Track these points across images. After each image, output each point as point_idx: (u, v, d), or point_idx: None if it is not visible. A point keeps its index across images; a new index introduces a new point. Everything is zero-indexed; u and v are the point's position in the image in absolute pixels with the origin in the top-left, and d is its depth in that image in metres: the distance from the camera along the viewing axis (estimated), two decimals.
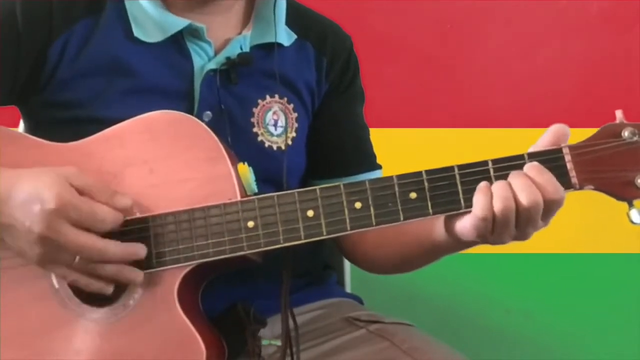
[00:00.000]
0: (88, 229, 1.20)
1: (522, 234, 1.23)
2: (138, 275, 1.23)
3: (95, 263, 1.21)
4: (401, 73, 2.15)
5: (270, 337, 1.37)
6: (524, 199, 1.18)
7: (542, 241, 2.16)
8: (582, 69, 2.16)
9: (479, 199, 1.20)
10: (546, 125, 2.10)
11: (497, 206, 1.19)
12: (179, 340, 1.23)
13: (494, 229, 1.21)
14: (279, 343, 1.32)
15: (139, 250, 1.23)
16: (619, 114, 1.22)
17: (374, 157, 1.53)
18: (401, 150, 2.10)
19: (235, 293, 1.35)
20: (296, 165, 1.44)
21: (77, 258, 1.20)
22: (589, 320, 2.16)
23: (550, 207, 1.20)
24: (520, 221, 1.20)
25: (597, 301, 2.16)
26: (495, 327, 2.17)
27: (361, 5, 2.12)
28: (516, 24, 2.17)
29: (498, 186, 1.19)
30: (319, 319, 1.43)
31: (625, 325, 2.15)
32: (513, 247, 2.15)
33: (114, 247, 1.21)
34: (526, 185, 1.18)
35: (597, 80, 2.15)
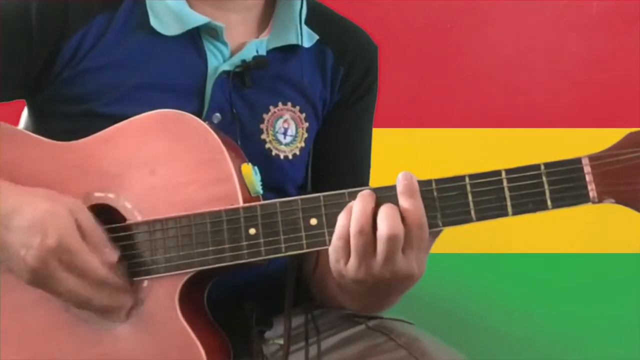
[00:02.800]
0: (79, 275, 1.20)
1: (382, 274, 1.17)
2: (119, 318, 1.24)
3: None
4: (401, 73, 2.15)
5: (274, 337, 1.38)
6: (383, 228, 1.14)
7: (542, 241, 2.18)
8: (582, 68, 2.16)
9: (340, 217, 1.17)
10: (546, 125, 2.11)
11: (354, 228, 1.15)
12: (179, 346, 1.23)
13: (350, 256, 1.17)
14: (282, 342, 1.32)
15: (123, 303, 1.23)
16: None
17: (368, 177, 1.50)
18: (401, 150, 2.10)
19: (241, 293, 1.36)
20: (301, 175, 1.43)
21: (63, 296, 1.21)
22: (589, 321, 2.16)
23: (411, 240, 1.15)
24: (379, 253, 1.15)
25: (597, 301, 2.16)
26: (495, 328, 2.17)
27: (361, 5, 2.12)
28: (516, 24, 2.17)
29: (357, 209, 1.16)
30: (318, 316, 1.42)
31: (625, 326, 2.15)
32: (513, 247, 2.17)
33: (98, 298, 1.21)
34: (390, 214, 1.14)
35: (597, 80, 2.14)
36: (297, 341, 1.36)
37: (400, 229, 1.14)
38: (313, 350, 1.37)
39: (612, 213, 2.08)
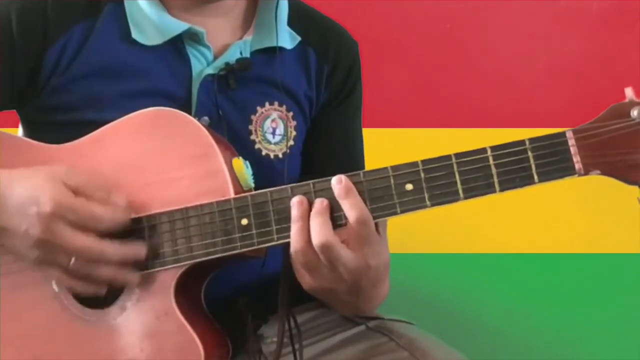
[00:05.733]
0: (86, 230, 1.19)
1: (335, 275, 1.20)
2: (134, 278, 1.23)
3: (93, 265, 1.21)
4: (401, 73, 2.15)
5: (272, 335, 1.38)
6: (314, 239, 1.17)
7: (542, 241, 2.17)
8: (582, 69, 2.16)
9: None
10: (546, 125, 2.11)
11: (292, 249, 1.19)
12: (176, 341, 1.23)
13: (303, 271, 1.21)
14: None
15: (138, 251, 1.23)
16: (628, 91, 1.15)
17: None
18: (401, 150, 2.10)
19: (239, 291, 1.36)
20: (292, 174, 1.43)
21: (73, 260, 1.20)
22: (589, 321, 2.16)
23: (358, 237, 1.18)
24: (322, 261, 1.19)
25: (597, 301, 2.15)
26: (495, 328, 2.17)
27: (360, 5, 2.12)
28: (516, 24, 2.17)
29: (292, 230, 1.18)
30: (318, 317, 1.43)
31: (625, 326, 2.15)
32: (513, 247, 2.17)
33: (112, 249, 1.21)
34: (319, 224, 1.17)
35: (597, 80, 2.14)
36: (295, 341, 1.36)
37: (329, 236, 1.17)
38: (314, 350, 1.38)
39: (612, 213, 2.09)
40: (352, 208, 1.17)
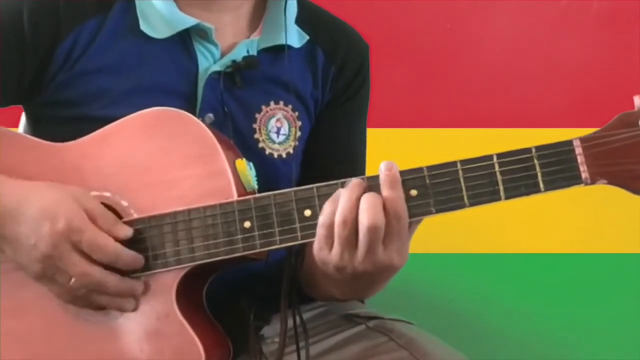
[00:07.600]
0: (90, 257, 1.21)
1: (364, 265, 1.17)
2: (129, 307, 1.24)
3: (90, 290, 1.22)
4: (401, 73, 2.15)
5: (272, 335, 1.38)
6: (364, 218, 1.15)
7: (542, 241, 2.18)
8: (582, 69, 2.16)
9: (325, 205, 1.17)
10: (546, 125, 2.11)
11: (338, 218, 1.16)
12: (177, 343, 1.23)
13: (334, 245, 1.17)
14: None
15: (136, 286, 1.24)
16: (637, 100, 1.13)
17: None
18: (401, 150, 2.10)
19: (240, 289, 1.36)
20: (296, 175, 1.43)
21: (73, 281, 1.21)
22: (589, 321, 2.16)
23: (391, 232, 1.16)
24: (360, 243, 1.16)
25: (597, 301, 2.16)
26: (495, 328, 2.17)
27: (360, 5, 2.12)
28: (516, 24, 2.17)
29: (343, 199, 1.16)
30: (318, 317, 1.44)
31: (625, 326, 2.15)
32: (513, 247, 2.17)
33: (112, 282, 1.22)
34: (372, 205, 1.15)
35: (597, 80, 2.14)
36: (294, 342, 1.36)
37: (380, 219, 1.15)
38: (314, 350, 1.37)
39: (612, 213, 2.09)
40: (394, 200, 1.15)
